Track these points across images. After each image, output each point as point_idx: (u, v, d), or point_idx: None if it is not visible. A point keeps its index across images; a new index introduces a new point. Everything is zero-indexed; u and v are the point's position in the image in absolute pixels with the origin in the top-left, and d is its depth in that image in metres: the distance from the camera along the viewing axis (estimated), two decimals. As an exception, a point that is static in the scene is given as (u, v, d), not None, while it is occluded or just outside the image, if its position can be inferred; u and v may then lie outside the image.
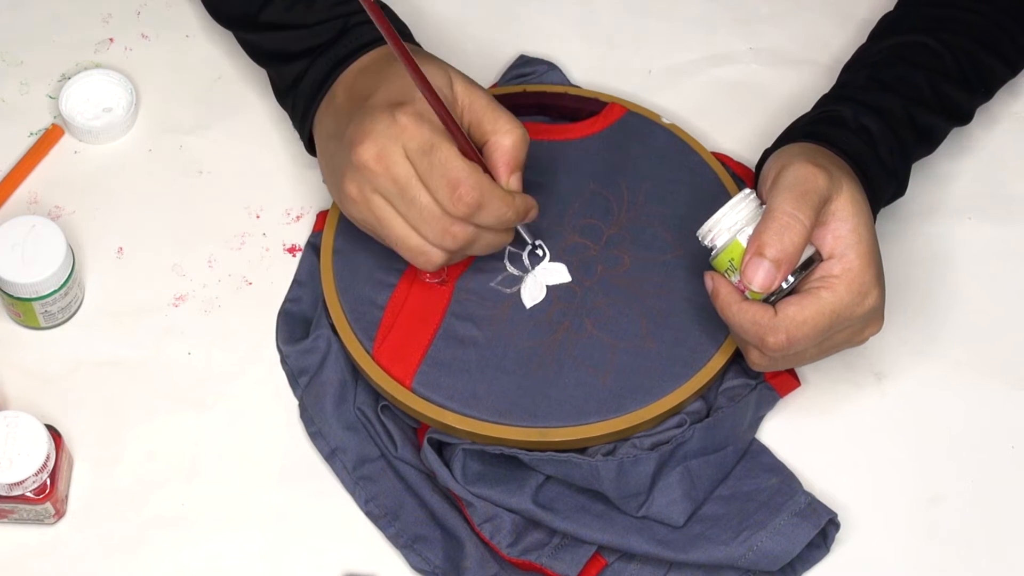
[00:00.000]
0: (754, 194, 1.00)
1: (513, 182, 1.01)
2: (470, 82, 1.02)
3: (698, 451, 1.03)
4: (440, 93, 0.99)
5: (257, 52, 1.11)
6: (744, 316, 0.99)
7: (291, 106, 1.08)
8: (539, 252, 1.07)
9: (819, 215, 0.99)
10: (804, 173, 0.98)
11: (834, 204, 0.99)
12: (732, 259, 0.99)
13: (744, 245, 0.99)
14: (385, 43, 1.04)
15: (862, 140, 1.05)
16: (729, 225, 1.00)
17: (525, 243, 1.07)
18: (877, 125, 1.06)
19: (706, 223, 1.00)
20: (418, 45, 1.09)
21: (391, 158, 0.98)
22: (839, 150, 1.04)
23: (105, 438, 1.05)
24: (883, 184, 1.06)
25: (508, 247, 1.07)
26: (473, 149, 1.00)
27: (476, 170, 0.98)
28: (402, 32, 1.08)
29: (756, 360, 1.02)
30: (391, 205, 0.99)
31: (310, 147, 1.08)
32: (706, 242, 1.01)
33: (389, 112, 0.98)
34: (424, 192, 0.98)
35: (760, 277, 0.98)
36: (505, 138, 1.01)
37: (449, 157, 0.98)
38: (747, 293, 0.99)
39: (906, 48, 1.10)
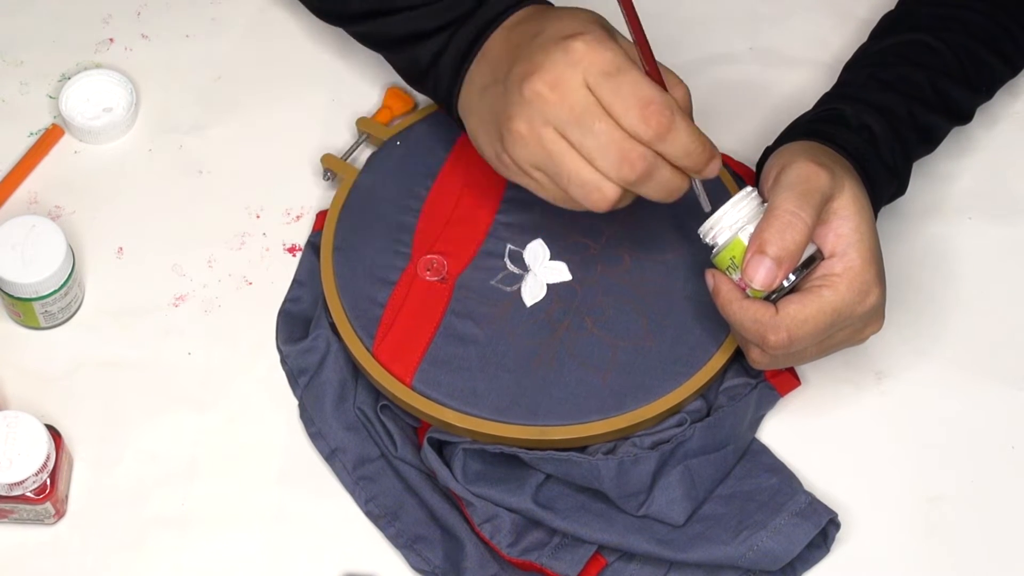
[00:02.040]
0: (756, 192, 1.00)
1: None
2: (616, 33, 0.98)
3: (698, 450, 1.03)
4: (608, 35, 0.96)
5: (385, 39, 1.07)
6: (745, 314, 0.99)
7: (433, 84, 1.04)
8: (521, 252, 1.05)
9: (821, 213, 0.99)
10: (806, 171, 0.98)
11: (836, 202, 0.99)
12: (733, 257, 0.99)
13: (745, 243, 0.99)
14: (527, 5, 1.01)
15: (863, 139, 1.05)
16: (730, 223, 1.00)
17: (705, 210, 1.01)
18: (879, 124, 1.06)
19: (707, 221, 1.00)
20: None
21: (567, 85, 0.94)
22: (840, 148, 1.04)
23: (105, 438, 1.05)
24: (884, 183, 1.06)
25: (509, 245, 1.07)
26: (661, 79, 0.96)
27: (666, 93, 0.95)
28: None
29: (757, 358, 1.02)
30: (564, 138, 0.95)
31: (459, 123, 1.04)
32: (707, 240, 1.01)
33: (563, 43, 0.94)
34: (604, 118, 0.94)
35: (761, 275, 0.98)
36: (676, 90, 0.98)
37: (639, 78, 0.94)
38: (748, 291, 0.99)
39: (907, 47, 1.10)
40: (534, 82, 0.95)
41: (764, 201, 1.00)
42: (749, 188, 1.00)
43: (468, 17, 1.02)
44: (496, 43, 1.00)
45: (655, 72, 0.96)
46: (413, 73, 1.07)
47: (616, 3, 0.95)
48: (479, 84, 1.00)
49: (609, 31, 0.97)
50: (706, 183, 1.11)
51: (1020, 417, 1.09)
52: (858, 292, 0.99)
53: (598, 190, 0.96)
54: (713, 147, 0.97)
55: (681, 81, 0.98)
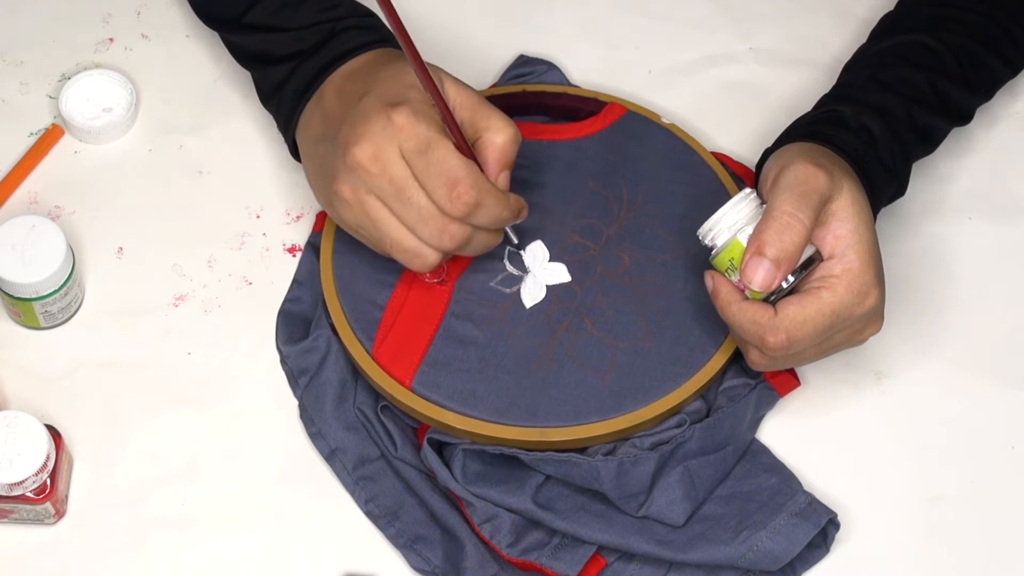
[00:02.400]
0: (755, 193, 1.00)
1: (502, 180, 1.01)
2: (459, 82, 1.01)
3: (698, 451, 1.03)
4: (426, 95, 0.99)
5: (241, 53, 1.11)
6: (744, 315, 0.99)
7: (275, 109, 1.08)
8: (520, 253, 1.07)
9: (819, 215, 0.99)
10: (805, 173, 0.98)
11: (835, 204, 0.99)
12: (732, 258, 0.99)
13: (744, 244, 0.99)
14: (372, 49, 1.04)
15: (863, 140, 1.05)
16: (729, 224, 1.00)
17: (513, 245, 1.07)
18: (878, 125, 1.06)
19: (706, 222, 1.00)
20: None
21: (387, 158, 0.97)
22: (839, 150, 1.04)
23: (105, 438, 1.05)
24: (883, 184, 1.06)
25: (508, 247, 1.07)
26: (468, 147, 0.99)
27: (474, 168, 0.98)
28: (389, 40, 1.07)
29: (756, 359, 1.02)
30: (386, 206, 0.99)
31: (294, 151, 1.08)
32: (706, 241, 1.01)
33: (384, 112, 0.98)
34: (421, 192, 0.98)
35: (760, 276, 0.98)
36: (497, 136, 1.00)
37: (447, 155, 0.97)
38: (747, 292, 0.99)
39: (907, 48, 1.10)
40: (356, 153, 0.98)
41: (763, 203, 1.00)
42: (748, 190, 1.00)
43: (312, 53, 1.05)
44: (329, 93, 1.03)
45: (463, 145, 0.99)
46: (262, 92, 1.10)
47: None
48: (314, 133, 1.03)
49: (423, 104, 0.99)
50: (705, 184, 1.12)
51: (1020, 417, 1.09)
52: (857, 294, 0.99)
53: (419, 256, 1.00)
54: (519, 201, 1.01)
55: (507, 125, 1.01)
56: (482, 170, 1.00)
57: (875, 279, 0.99)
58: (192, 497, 1.04)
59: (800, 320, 0.98)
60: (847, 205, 0.99)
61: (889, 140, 1.06)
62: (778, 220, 0.97)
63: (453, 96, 1.01)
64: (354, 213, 1.00)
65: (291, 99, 1.06)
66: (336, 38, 1.05)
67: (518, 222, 1.03)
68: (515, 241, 1.06)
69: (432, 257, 1.00)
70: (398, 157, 0.98)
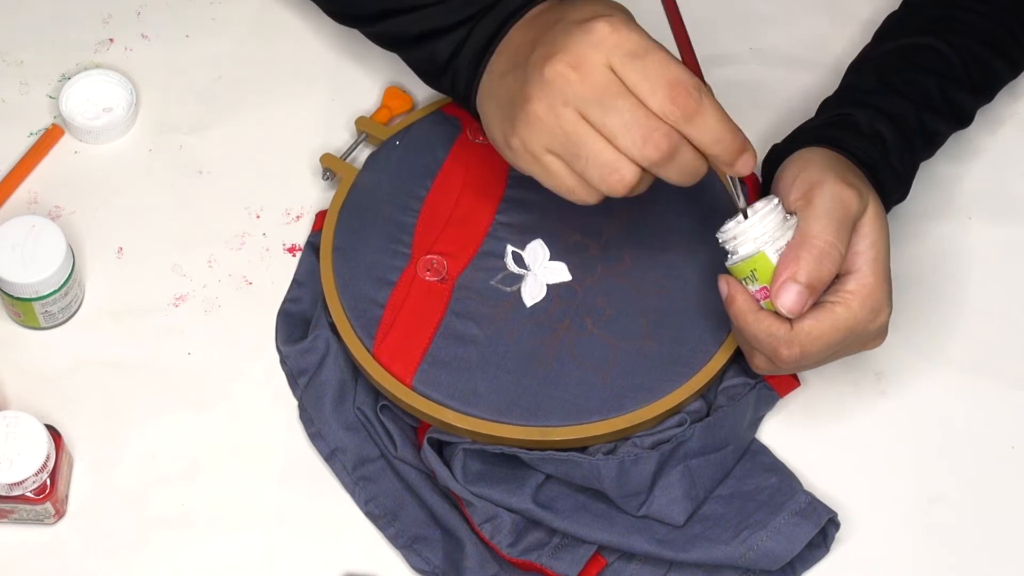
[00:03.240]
0: (780, 204, 0.99)
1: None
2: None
3: (698, 450, 1.03)
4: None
5: (401, 38, 1.06)
6: (760, 326, 0.99)
7: (451, 80, 1.03)
8: (521, 253, 1.05)
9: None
10: (841, 196, 0.98)
11: (859, 221, 0.99)
12: (755, 270, 0.99)
13: (769, 259, 0.98)
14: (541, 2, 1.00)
15: (876, 148, 1.05)
16: (755, 236, 0.98)
17: (739, 208, 0.99)
18: (890, 132, 1.06)
19: (730, 227, 0.99)
20: None
21: (590, 65, 0.92)
22: (853, 156, 1.03)
23: (105, 438, 1.05)
24: (892, 190, 1.06)
25: (509, 246, 1.07)
26: (698, 66, 0.93)
27: (696, 77, 0.93)
28: None
29: (762, 366, 1.02)
30: (584, 118, 0.93)
31: (474, 111, 1.03)
32: (727, 247, 1.00)
33: (584, 25, 0.92)
34: (628, 96, 0.92)
35: (792, 301, 0.97)
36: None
37: (667, 58, 0.92)
38: (762, 303, 0.99)
39: (913, 50, 1.10)
40: (555, 63, 0.93)
41: (788, 213, 0.99)
42: (775, 200, 0.99)
43: (488, 11, 1.01)
44: (517, 34, 0.98)
45: (690, 57, 0.94)
46: (430, 70, 1.05)
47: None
48: (498, 72, 0.99)
49: (632, 18, 0.95)
50: (705, 183, 1.11)
51: (1020, 417, 1.09)
52: (870, 311, 0.99)
53: (617, 171, 0.93)
54: (745, 139, 0.94)
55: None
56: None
57: (887, 297, 0.99)
58: (192, 497, 1.04)
59: (815, 335, 0.98)
60: (870, 221, 0.99)
61: (900, 147, 1.06)
62: (818, 248, 0.97)
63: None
64: (546, 131, 0.94)
65: (471, 61, 1.01)
66: None
67: (736, 171, 0.95)
68: (741, 204, 0.98)
69: (630, 174, 0.93)
70: (603, 64, 0.92)
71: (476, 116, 1.02)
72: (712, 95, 0.94)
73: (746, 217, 0.98)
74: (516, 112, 0.95)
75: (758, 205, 0.99)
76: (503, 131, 0.97)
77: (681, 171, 0.94)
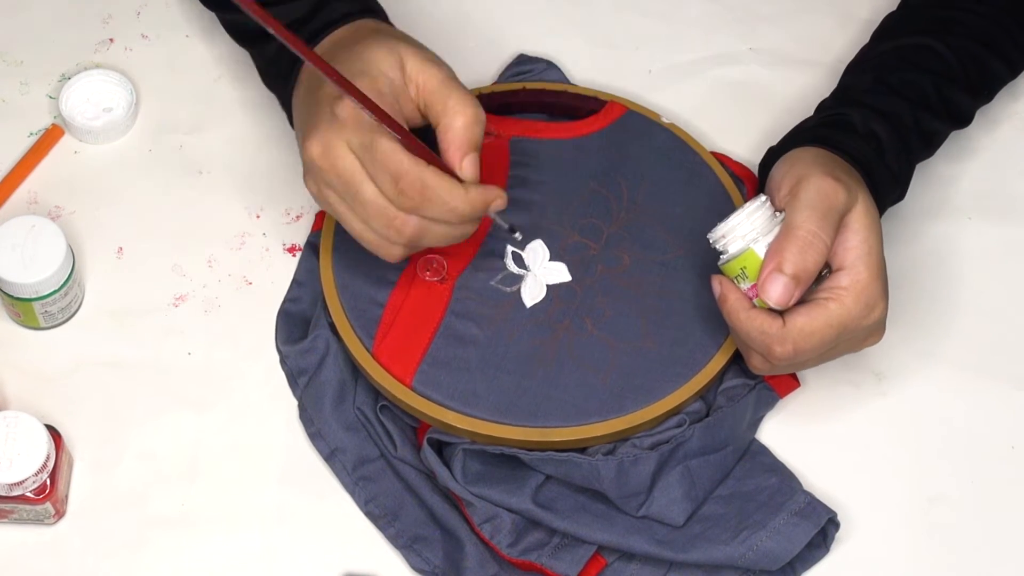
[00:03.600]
0: (769, 201, 1.00)
1: (467, 166, 0.97)
2: (425, 59, 0.98)
3: (698, 451, 1.03)
4: (385, 78, 0.97)
5: (240, 32, 1.10)
6: (752, 324, 0.99)
7: (274, 84, 1.07)
8: (517, 236, 1.04)
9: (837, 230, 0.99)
10: (825, 188, 0.98)
11: (848, 216, 0.99)
12: (744, 267, 0.99)
13: (758, 255, 0.99)
14: (358, 18, 1.02)
15: (871, 147, 1.05)
16: (744, 233, 0.99)
17: (515, 240, 1.06)
18: (886, 131, 1.06)
19: (719, 227, 1.00)
20: (389, 23, 1.06)
21: (335, 152, 0.96)
22: (848, 156, 1.04)
23: (105, 438, 1.05)
24: (888, 190, 1.06)
25: (510, 246, 1.07)
26: (414, 140, 0.96)
27: (418, 162, 0.95)
28: (374, 11, 1.05)
29: (758, 365, 1.02)
30: (342, 200, 0.98)
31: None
32: (717, 246, 1.00)
33: (330, 106, 0.97)
34: (368, 185, 0.96)
35: (778, 292, 0.98)
36: (455, 119, 0.97)
37: (387, 150, 0.95)
38: (755, 301, 0.99)
39: (911, 51, 1.10)
40: (309, 148, 0.97)
41: (777, 211, 1.00)
42: (763, 198, 1.00)
43: (303, 24, 1.03)
44: (309, 72, 1.01)
45: (406, 139, 0.96)
46: (261, 69, 1.09)
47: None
48: (297, 112, 1.02)
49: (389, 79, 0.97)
50: (705, 184, 1.11)
51: (1020, 417, 1.09)
52: (864, 306, 0.99)
53: (383, 248, 0.99)
54: (483, 193, 0.97)
55: (466, 106, 0.97)
56: (444, 158, 0.97)
57: (882, 292, 0.99)
58: (192, 497, 1.04)
59: (808, 332, 0.98)
60: (860, 217, 0.99)
61: (896, 146, 1.06)
62: (801, 239, 0.97)
63: (415, 76, 0.98)
64: (323, 205, 0.99)
65: (285, 71, 1.04)
66: (324, 8, 1.03)
67: (491, 212, 0.99)
68: (505, 227, 1.03)
69: (395, 249, 0.99)
70: (346, 151, 0.96)
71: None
72: (433, 173, 0.95)
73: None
74: (302, 172, 1.00)
75: (747, 203, 0.99)
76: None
77: (439, 240, 0.99)
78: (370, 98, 0.95)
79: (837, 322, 0.98)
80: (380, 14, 1.06)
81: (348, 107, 0.96)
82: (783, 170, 1.01)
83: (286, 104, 1.06)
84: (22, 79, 1.17)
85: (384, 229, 0.97)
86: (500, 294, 1.06)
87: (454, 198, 0.96)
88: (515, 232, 1.04)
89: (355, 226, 0.99)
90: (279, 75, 1.05)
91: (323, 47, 1.02)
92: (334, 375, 1.05)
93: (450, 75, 0.98)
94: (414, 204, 0.96)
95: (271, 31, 0.90)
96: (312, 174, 0.98)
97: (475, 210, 0.97)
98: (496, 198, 0.99)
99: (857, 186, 1.00)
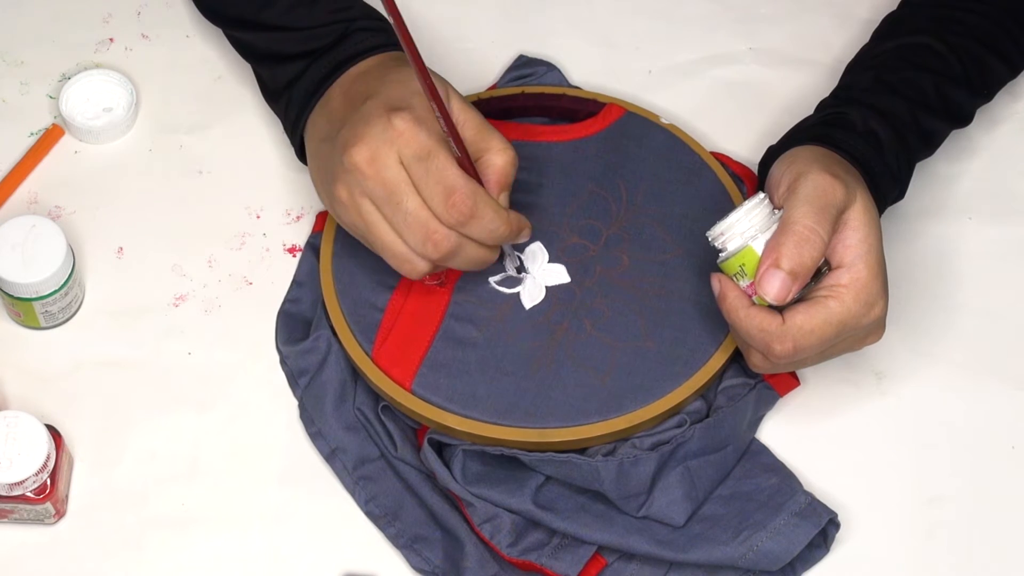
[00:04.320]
0: (767, 199, 1.00)
1: (502, 200, 1.01)
2: (465, 100, 1.02)
3: (698, 451, 1.03)
4: None
5: (250, 51, 1.11)
6: (751, 322, 0.99)
7: (284, 108, 1.08)
8: (522, 275, 1.07)
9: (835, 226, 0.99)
10: (823, 184, 0.98)
11: (847, 214, 0.99)
12: (743, 265, 0.99)
13: (756, 252, 0.99)
14: (385, 51, 1.04)
15: (870, 145, 1.05)
16: (742, 230, 0.99)
17: (517, 268, 1.07)
18: (885, 130, 1.06)
19: (718, 225, 1.00)
20: None
21: (383, 161, 0.98)
22: (847, 154, 1.04)
23: (105, 438, 1.05)
24: (887, 189, 1.06)
25: (508, 247, 1.07)
26: (471, 162, 0.99)
27: (472, 180, 0.98)
28: (395, 44, 1.08)
29: (758, 363, 1.02)
30: (379, 210, 0.99)
31: (300, 152, 1.08)
32: (716, 244, 1.00)
33: (385, 116, 0.98)
34: (413, 197, 0.98)
35: (776, 288, 0.98)
36: (498, 157, 1.00)
37: (447, 164, 0.97)
38: (754, 299, 0.99)
39: (910, 50, 1.10)
40: (353, 154, 0.98)
41: (776, 208, 1.00)
42: (761, 195, 1.00)
43: (324, 53, 1.05)
44: (336, 93, 1.04)
45: (465, 158, 0.99)
46: (270, 90, 1.09)
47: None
48: (319, 133, 1.03)
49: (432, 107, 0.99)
50: (705, 184, 1.12)
51: (1020, 417, 1.09)
52: (864, 304, 0.99)
53: (408, 262, 1.00)
54: (520, 220, 1.01)
55: (507, 147, 1.01)
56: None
57: (881, 290, 0.99)
58: (192, 497, 1.04)
59: (807, 329, 0.98)
60: (859, 215, 0.99)
61: (895, 145, 1.06)
62: (798, 234, 0.97)
63: (458, 114, 1.01)
64: (350, 215, 1.00)
65: (301, 99, 1.06)
66: (348, 39, 1.05)
67: (518, 241, 1.03)
68: (515, 261, 1.06)
69: (421, 264, 1.00)
70: (395, 161, 0.98)
71: (302, 146, 1.07)
72: (485, 193, 0.98)
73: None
74: (328, 186, 1.01)
75: (745, 201, 0.99)
76: (327, 197, 1.03)
77: (467, 262, 1.01)
78: (446, 109, 0.97)
79: (837, 320, 0.98)
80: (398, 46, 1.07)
81: (407, 119, 0.97)
82: (782, 168, 1.01)
83: (296, 123, 1.06)
84: (22, 79, 1.17)
85: (420, 242, 0.98)
86: (499, 296, 1.07)
87: (501, 219, 0.99)
88: (521, 271, 1.07)
89: (386, 237, 0.99)
90: (298, 95, 1.06)
91: (350, 76, 1.04)
92: (335, 375, 1.05)
93: (485, 119, 1.02)
94: (461, 220, 0.97)
95: (387, 15, 0.93)
96: (349, 180, 0.99)
97: (512, 233, 1.00)
98: (527, 228, 1.02)
99: (856, 184, 1.00)
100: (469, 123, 1.01)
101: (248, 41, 1.11)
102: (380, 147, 0.98)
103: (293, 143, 1.08)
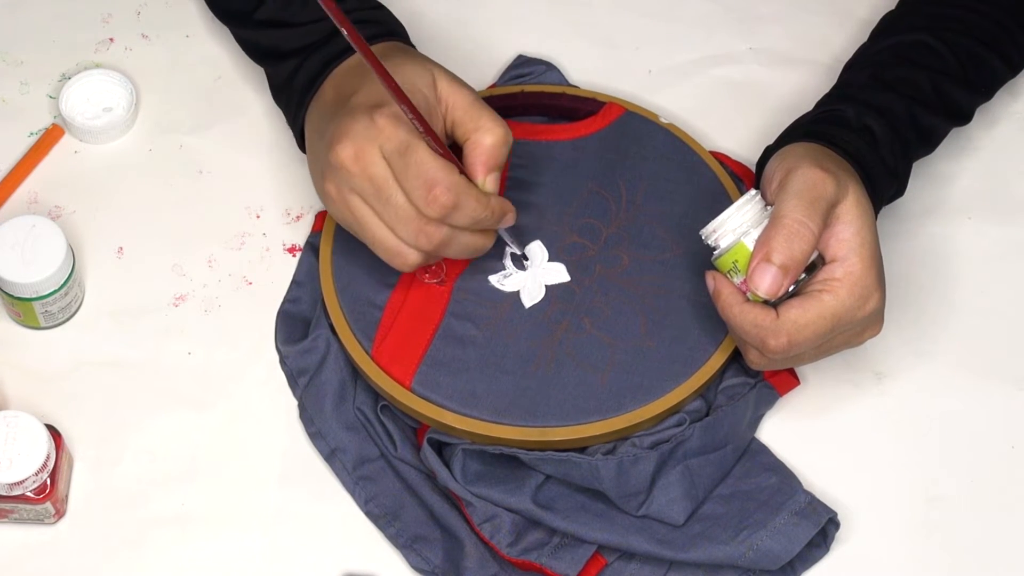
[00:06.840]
0: (759, 196, 1.00)
1: (490, 182, 1.00)
2: (455, 79, 1.02)
3: (698, 450, 1.03)
4: (420, 94, 0.99)
5: (253, 49, 1.12)
6: (746, 318, 0.99)
7: (285, 104, 1.08)
8: (524, 261, 1.07)
9: (826, 220, 0.99)
10: (813, 178, 0.98)
11: (839, 207, 0.99)
12: (736, 261, 0.99)
13: (749, 248, 0.99)
14: (377, 42, 1.05)
15: (865, 140, 1.05)
16: (734, 227, 1.00)
17: (514, 251, 1.07)
18: (879, 125, 1.06)
19: (711, 223, 1.00)
20: (412, 45, 1.09)
21: (368, 158, 0.98)
22: (841, 150, 1.04)
23: (105, 438, 1.05)
24: (884, 184, 1.06)
25: (508, 248, 1.07)
26: (448, 151, 0.99)
27: (452, 171, 0.98)
28: (397, 33, 1.08)
29: (755, 360, 1.02)
30: (368, 205, 0.99)
31: (302, 145, 1.08)
32: (709, 242, 1.01)
33: (367, 113, 0.98)
34: (399, 192, 0.98)
35: (767, 283, 0.98)
36: (485, 136, 1.00)
37: (424, 158, 0.97)
38: (749, 295, 0.99)
39: (908, 48, 1.10)
40: (339, 152, 0.98)
41: (768, 204, 1.00)
42: (753, 192, 1.00)
43: (319, 47, 1.06)
44: (331, 86, 1.04)
45: (442, 149, 0.99)
46: (275, 87, 1.10)
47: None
48: (314, 129, 1.04)
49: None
50: (704, 183, 1.12)
51: (1020, 417, 1.09)
52: (859, 297, 0.99)
53: (400, 255, 1.00)
54: (502, 204, 1.01)
55: (496, 125, 1.01)
56: (468, 173, 1.00)
57: (876, 282, 0.99)
58: (192, 497, 1.04)
59: (802, 324, 0.98)
60: (851, 208, 0.99)
61: (890, 140, 1.06)
62: (787, 227, 0.97)
63: (446, 95, 1.01)
64: (340, 210, 1.01)
65: (298, 93, 1.06)
66: (340, 33, 1.05)
67: (505, 226, 1.03)
68: (514, 247, 1.07)
69: (413, 257, 1.00)
70: (379, 157, 0.98)
71: (303, 140, 1.07)
72: (465, 182, 0.98)
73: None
74: (320, 181, 1.02)
75: (739, 200, 1.00)
76: (317, 187, 1.03)
77: (463, 251, 1.01)
78: (416, 106, 0.98)
79: (831, 313, 0.98)
80: (403, 36, 1.08)
81: (387, 116, 0.98)
82: (774, 165, 1.02)
83: (295, 117, 1.07)
84: (22, 79, 1.17)
85: (413, 235, 0.99)
86: (499, 295, 1.07)
87: (482, 206, 0.99)
88: (525, 259, 1.07)
89: (377, 232, 1.00)
90: (296, 91, 1.06)
91: (342, 70, 1.04)
92: (335, 375, 1.05)
93: (479, 97, 1.01)
94: (443, 212, 0.98)
95: (337, 24, 0.93)
96: (336, 177, 0.99)
97: (495, 219, 1.00)
98: (510, 211, 1.02)
99: (848, 178, 1.00)
100: (459, 101, 1.01)
101: (249, 38, 1.11)
102: (364, 144, 0.98)
103: (296, 137, 1.08)
